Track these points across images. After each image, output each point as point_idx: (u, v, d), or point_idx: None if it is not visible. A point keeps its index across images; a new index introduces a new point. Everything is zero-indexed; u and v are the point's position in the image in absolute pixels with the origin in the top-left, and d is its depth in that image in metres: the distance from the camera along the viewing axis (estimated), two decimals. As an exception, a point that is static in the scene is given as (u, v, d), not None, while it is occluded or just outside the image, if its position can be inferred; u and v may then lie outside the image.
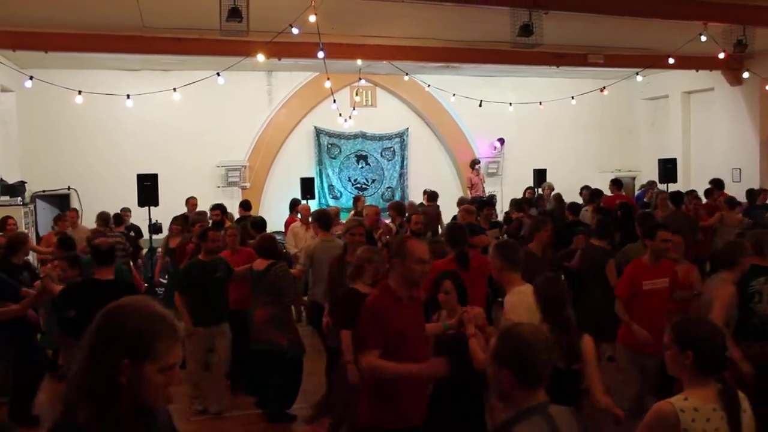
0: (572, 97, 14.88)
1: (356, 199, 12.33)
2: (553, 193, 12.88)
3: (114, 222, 10.93)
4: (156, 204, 11.44)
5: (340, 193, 15.71)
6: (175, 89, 11.66)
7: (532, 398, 2.37)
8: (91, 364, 1.80)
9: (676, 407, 2.65)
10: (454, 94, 14.61)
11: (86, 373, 1.80)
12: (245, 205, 11.13)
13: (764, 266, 5.16)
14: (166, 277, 11.23)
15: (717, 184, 11.95)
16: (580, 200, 11.82)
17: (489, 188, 15.70)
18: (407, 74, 13.76)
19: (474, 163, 15.87)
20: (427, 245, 3.98)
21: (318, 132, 15.46)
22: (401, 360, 3.57)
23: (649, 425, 2.72)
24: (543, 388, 2.40)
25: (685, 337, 2.74)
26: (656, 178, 14.41)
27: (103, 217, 9.72)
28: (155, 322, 1.85)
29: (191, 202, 11.40)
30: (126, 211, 11.48)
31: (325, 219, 7.21)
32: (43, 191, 13.09)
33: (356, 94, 15.27)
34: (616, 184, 12.33)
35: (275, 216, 12.46)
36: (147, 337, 1.82)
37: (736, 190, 13.11)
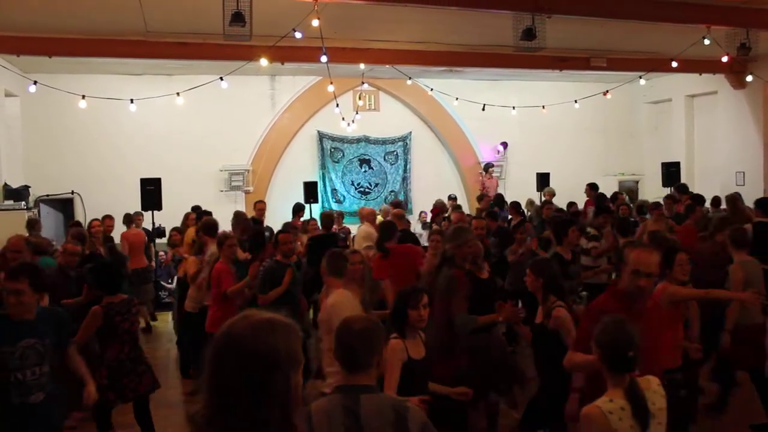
0: (575, 101, 14.89)
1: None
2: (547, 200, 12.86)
3: (125, 222, 10.89)
4: (159, 208, 11.46)
5: (343, 197, 15.72)
6: (178, 93, 11.67)
7: (349, 380, 2.64)
8: (263, 399, 1.63)
9: (603, 410, 2.74)
10: (457, 98, 14.62)
11: (256, 410, 1.62)
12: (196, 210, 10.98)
13: None
14: (170, 281, 11.24)
15: (681, 189, 11.97)
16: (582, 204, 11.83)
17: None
18: (410, 78, 13.76)
19: (487, 167, 15.83)
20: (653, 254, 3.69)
21: (321, 136, 15.48)
22: None
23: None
24: (364, 374, 2.64)
25: (597, 335, 2.94)
26: (659, 182, 14.39)
27: (31, 222, 9.75)
28: (287, 328, 1.74)
29: (259, 206, 11.04)
30: (138, 215, 11.35)
31: (212, 228, 7.57)
32: (47, 195, 13.10)
33: (359, 98, 15.27)
34: (593, 188, 12.23)
35: (278, 220, 12.44)
36: (295, 347, 1.72)
37: (741, 194, 13.08)
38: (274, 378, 1.64)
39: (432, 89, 14.57)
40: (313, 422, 2.50)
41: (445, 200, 13.65)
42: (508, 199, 12.29)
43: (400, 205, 11.19)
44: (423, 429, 2.55)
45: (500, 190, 15.75)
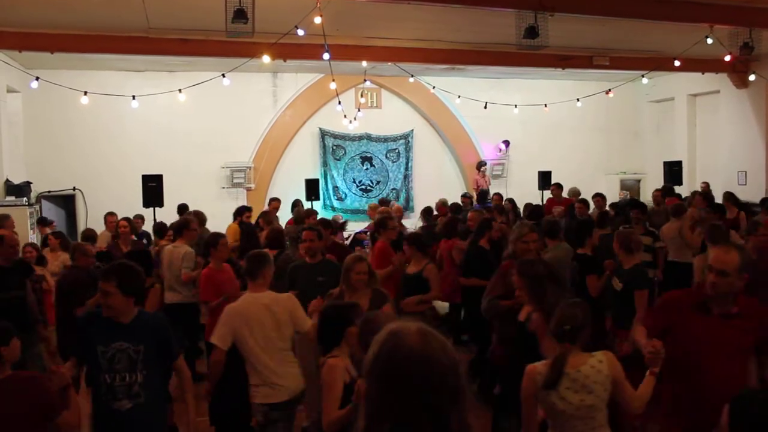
0: (577, 100, 14.87)
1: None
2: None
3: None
4: (161, 205, 11.43)
5: (345, 194, 15.72)
6: (180, 90, 11.68)
7: None
8: (451, 409, 1.64)
9: (536, 370, 3.34)
10: (459, 96, 14.59)
11: (447, 421, 1.63)
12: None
13: None
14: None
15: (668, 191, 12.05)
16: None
17: (494, 190, 15.65)
18: (412, 76, 13.75)
19: (480, 164, 15.86)
20: None
21: (323, 133, 15.47)
22: (689, 380, 3.39)
23: None
24: None
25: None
26: (661, 181, 14.37)
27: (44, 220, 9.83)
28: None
29: (273, 205, 11.07)
30: (138, 218, 10.95)
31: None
32: (49, 192, 13.12)
33: (361, 96, 15.28)
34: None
35: (280, 217, 12.43)
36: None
37: (742, 194, 13.07)
38: (459, 385, 1.66)
39: (434, 87, 14.56)
40: None
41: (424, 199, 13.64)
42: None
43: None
44: None
45: (501, 189, 15.77)
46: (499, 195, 13.12)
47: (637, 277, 5.54)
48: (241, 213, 10.15)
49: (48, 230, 9.97)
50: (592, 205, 10.92)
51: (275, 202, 11.40)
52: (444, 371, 1.64)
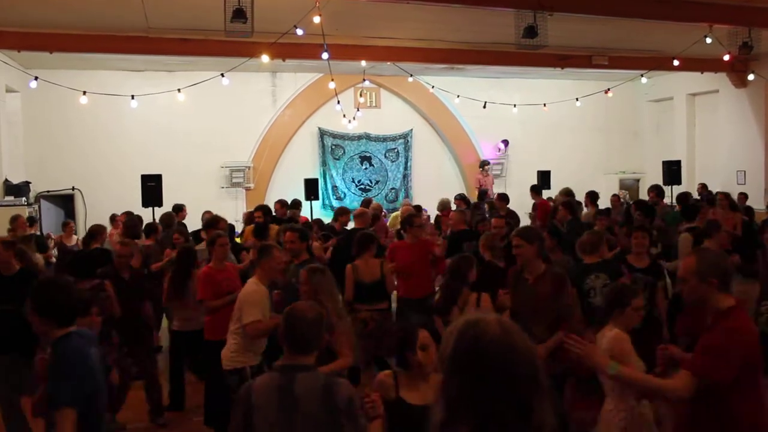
0: (576, 99, 14.87)
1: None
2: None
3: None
4: (160, 205, 11.42)
5: (344, 194, 15.71)
6: (179, 90, 11.67)
7: (290, 360, 2.86)
8: (537, 398, 1.64)
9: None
10: (458, 96, 14.59)
11: (531, 411, 1.63)
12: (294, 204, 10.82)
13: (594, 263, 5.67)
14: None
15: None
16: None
17: (494, 190, 15.67)
18: (411, 75, 13.75)
19: (483, 163, 15.83)
20: None
21: (322, 133, 15.47)
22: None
23: None
24: (309, 355, 2.88)
25: None
26: (660, 181, 14.38)
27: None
28: None
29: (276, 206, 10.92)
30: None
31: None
32: (48, 191, 13.11)
33: (360, 96, 15.27)
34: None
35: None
36: None
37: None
38: (539, 375, 1.66)
39: (433, 87, 14.56)
40: (253, 399, 2.77)
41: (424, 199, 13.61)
42: (511, 198, 12.28)
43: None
44: (348, 402, 2.75)
45: (501, 188, 15.76)
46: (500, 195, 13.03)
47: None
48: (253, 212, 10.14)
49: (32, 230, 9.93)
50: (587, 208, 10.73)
51: (277, 204, 11.29)
52: (526, 361, 1.64)
